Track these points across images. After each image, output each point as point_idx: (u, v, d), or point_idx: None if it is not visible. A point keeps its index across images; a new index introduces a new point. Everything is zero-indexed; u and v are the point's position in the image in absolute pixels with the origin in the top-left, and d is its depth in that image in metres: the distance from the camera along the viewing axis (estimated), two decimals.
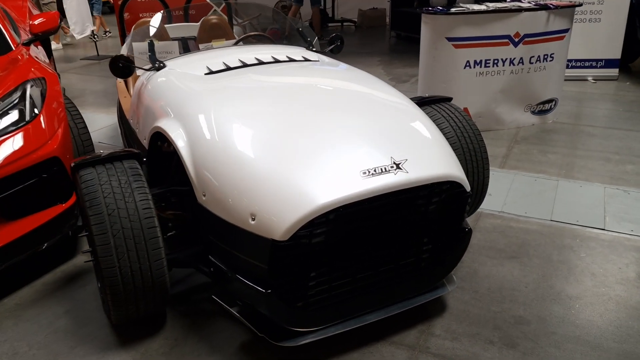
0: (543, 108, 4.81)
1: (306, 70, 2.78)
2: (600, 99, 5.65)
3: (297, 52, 3.16)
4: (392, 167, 1.98)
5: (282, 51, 3.10)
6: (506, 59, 4.49)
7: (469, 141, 2.77)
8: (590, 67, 6.33)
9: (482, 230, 3.10)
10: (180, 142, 2.19)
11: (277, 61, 2.87)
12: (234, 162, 2.00)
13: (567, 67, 6.29)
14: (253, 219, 1.88)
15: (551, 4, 4.47)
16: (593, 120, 4.96)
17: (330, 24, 11.36)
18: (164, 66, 2.93)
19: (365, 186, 1.90)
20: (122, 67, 2.85)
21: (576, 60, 6.27)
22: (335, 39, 3.43)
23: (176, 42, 4.08)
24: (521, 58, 4.51)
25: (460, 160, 2.66)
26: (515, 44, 4.45)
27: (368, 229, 2.04)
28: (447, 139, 2.69)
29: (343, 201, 1.87)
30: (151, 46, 3.04)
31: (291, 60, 2.92)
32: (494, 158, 4.12)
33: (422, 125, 2.28)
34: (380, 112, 2.32)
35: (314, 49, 3.35)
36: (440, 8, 4.44)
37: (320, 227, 1.91)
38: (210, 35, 4.23)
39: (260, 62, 2.83)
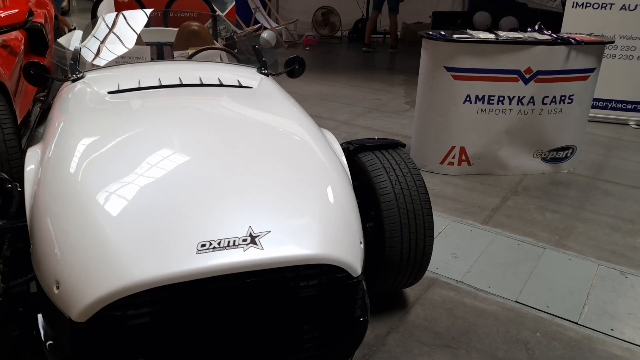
0: (556, 156, 4.19)
1: (218, 99, 2.40)
2: (636, 149, 4.93)
3: (241, 74, 2.79)
4: (244, 240, 1.57)
5: (222, 73, 2.74)
6: (514, 96, 3.92)
7: (409, 200, 2.31)
8: (634, 110, 5.58)
9: (426, 304, 2.61)
10: (27, 174, 1.87)
11: (200, 85, 2.50)
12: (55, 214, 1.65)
13: (606, 108, 5.61)
14: (57, 287, 1.52)
15: (573, 39, 3.87)
16: (616, 175, 4.29)
17: (373, 36, 10.90)
18: (82, 77, 2.63)
19: (197, 264, 1.50)
20: (34, 75, 2.58)
21: (617, 102, 5.54)
22: (292, 62, 3.03)
23: (148, 48, 3.80)
24: (532, 97, 3.93)
25: (393, 223, 2.22)
26: (526, 81, 3.88)
27: (223, 313, 1.63)
28: (382, 195, 2.26)
29: (164, 280, 1.47)
30: (76, 53, 2.76)
31: (220, 85, 2.54)
32: (480, 210, 3.58)
33: (317, 186, 1.85)
34: (266, 164, 1.90)
35: (265, 71, 2.96)
36: (443, 33, 3.93)
37: (144, 307, 1.52)
38: (188, 43, 3.92)
39: (180, 85, 2.48)
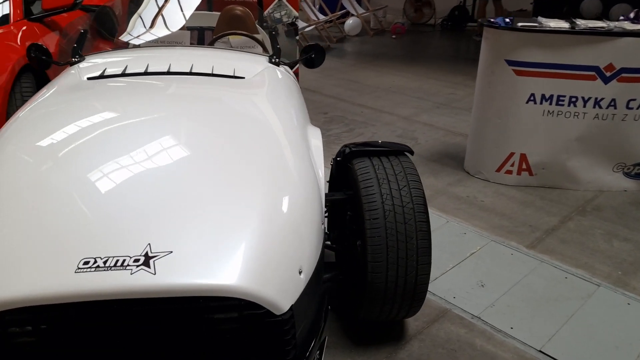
0: None
1: (192, 91, 2.15)
2: None
3: (244, 63, 2.54)
4: (136, 261, 1.33)
5: (223, 61, 2.51)
6: (590, 98, 3.29)
7: (400, 219, 1.94)
8: None
9: (425, 341, 2.21)
10: None
11: (187, 73, 2.29)
12: None
13: None
14: None
15: None
16: None
17: (469, 24, 10.12)
18: (79, 61, 2.53)
19: (71, 284, 1.28)
20: (34, 58, 2.53)
21: None
22: (308, 50, 2.72)
23: (187, 33, 3.70)
24: (613, 100, 3.27)
25: (377, 245, 1.90)
26: (606, 80, 3.23)
27: (122, 339, 1.41)
28: (368, 211, 1.92)
29: (36, 299, 1.28)
30: (83, 36, 2.67)
31: (208, 74, 2.31)
32: (531, 230, 3.05)
33: (253, 203, 1.55)
34: (200, 172, 1.62)
35: (276, 59, 2.69)
36: (507, 21, 3.39)
37: (28, 325, 1.35)
38: (229, 28, 3.77)
39: (165, 73, 2.28)
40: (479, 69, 3.57)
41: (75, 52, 2.57)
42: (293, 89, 2.52)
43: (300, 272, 1.52)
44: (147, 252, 1.35)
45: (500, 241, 2.94)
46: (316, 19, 8.13)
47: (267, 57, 2.69)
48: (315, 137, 2.13)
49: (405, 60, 7.36)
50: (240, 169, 1.65)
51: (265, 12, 5.32)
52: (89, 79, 2.24)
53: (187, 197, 1.51)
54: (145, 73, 2.27)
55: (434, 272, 2.65)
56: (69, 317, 1.32)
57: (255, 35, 3.78)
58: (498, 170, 3.60)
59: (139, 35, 3.50)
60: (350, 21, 8.95)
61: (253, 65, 2.53)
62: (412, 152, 2.18)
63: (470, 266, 2.71)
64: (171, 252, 1.36)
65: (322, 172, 1.93)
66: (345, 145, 2.22)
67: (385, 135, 4.53)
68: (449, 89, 5.99)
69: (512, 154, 3.52)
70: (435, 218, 3.16)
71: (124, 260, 1.32)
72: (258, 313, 1.39)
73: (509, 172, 3.57)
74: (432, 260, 2.71)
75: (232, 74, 2.32)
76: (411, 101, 5.50)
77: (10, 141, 1.79)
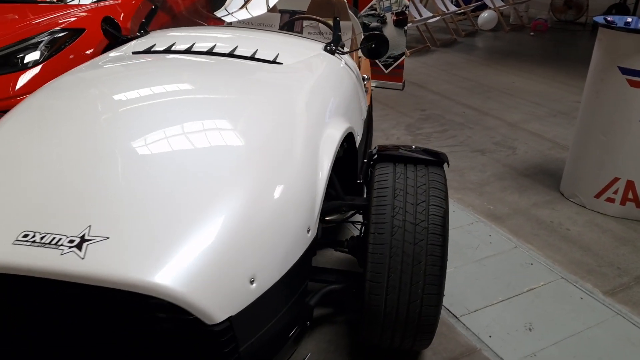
0: None
1: (218, 74, 2.03)
2: None
3: (293, 48, 2.40)
4: (71, 242, 1.27)
5: (275, 44, 2.39)
6: None
7: (409, 238, 1.70)
8: None
9: None
10: None
11: (228, 55, 2.20)
12: None
13: None
14: None
15: None
16: None
17: None
18: (144, 35, 2.58)
19: (6, 256, 1.27)
20: (106, 32, 2.64)
21: None
22: (369, 39, 2.49)
23: (277, 15, 3.68)
24: None
25: (378, 263, 1.70)
26: None
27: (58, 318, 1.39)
28: (374, 224, 1.72)
29: None
30: (152, 12, 2.72)
31: (248, 57, 2.20)
32: (618, 273, 2.54)
33: (214, 200, 1.40)
34: (162, 163, 1.50)
35: (332, 47, 2.50)
36: (629, 20, 2.82)
37: None
38: (320, 13, 3.69)
39: (206, 52, 2.22)
40: (588, 76, 3.04)
41: (141, 27, 2.63)
42: (343, 79, 2.33)
43: (251, 282, 1.37)
44: (84, 234, 1.29)
45: (573, 280, 2.49)
46: (445, 10, 7.68)
47: (324, 45, 2.53)
48: (328, 134, 1.90)
49: (535, 60, 6.65)
50: (210, 160, 1.53)
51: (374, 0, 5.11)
52: (133, 53, 2.27)
53: (145, 182, 1.43)
54: (186, 51, 2.24)
55: (475, 303, 2.31)
56: (4, 288, 1.32)
57: (345, 22, 3.63)
58: (597, 196, 3.06)
59: (228, 14, 3.55)
60: (485, 14, 8.34)
61: (303, 51, 2.38)
62: (441, 163, 1.89)
63: (523, 303, 2.32)
64: (108, 237, 1.29)
65: (324, 173, 1.73)
66: (377, 147, 2.00)
67: (480, 140, 4.11)
68: (575, 95, 5.28)
69: (616, 180, 2.96)
70: (502, 241, 2.77)
71: (60, 239, 1.28)
72: (187, 319, 1.28)
73: (611, 200, 3.01)
74: (480, 289, 2.39)
75: (271, 59, 2.20)
76: (525, 106, 4.93)
77: (19, 106, 1.85)
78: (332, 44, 2.52)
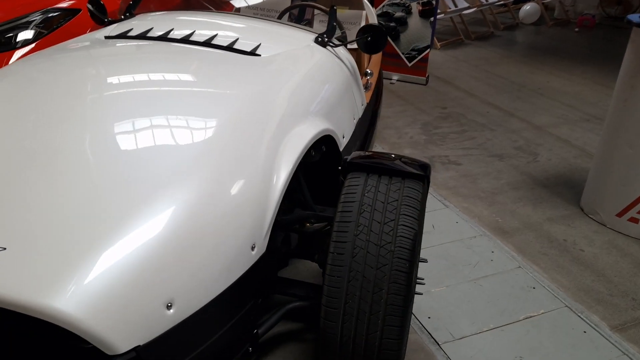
0: None
1: (179, 64, 1.85)
2: None
3: (279, 39, 2.21)
4: None
5: (258, 35, 2.20)
6: None
7: (372, 262, 1.50)
8: None
9: None
10: None
11: (204, 43, 2.03)
12: None
13: None
14: None
15: None
16: None
17: None
18: (128, 19, 2.44)
19: None
20: (91, 13, 2.52)
21: None
22: (364, 31, 2.26)
23: (287, 1, 3.52)
24: None
25: (335, 288, 1.52)
26: None
27: None
28: (334, 242, 1.54)
29: None
30: None
31: (222, 47, 2.02)
32: (633, 305, 2.26)
33: (120, 211, 1.24)
34: (84, 166, 1.34)
35: (324, 39, 2.29)
36: None
37: None
38: (336, 1, 3.51)
39: (183, 40, 2.06)
40: (617, 81, 2.73)
41: (127, 10, 2.49)
42: (329, 75, 2.13)
43: (168, 307, 1.20)
44: None
45: (578, 310, 2.23)
46: (483, 1, 7.28)
47: (315, 36, 2.32)
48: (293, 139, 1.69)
49: (576, 58, 6.22)
50: (143, 163, 1.36)
51: None
52: (106, 37, 2.13)
53: (66, 187, 1.28)
54: (161, 38, 2.08)
55: (463, 329, 2.09)
56: None
57: (354, 11, 3.41)
58: (620, 214, 2.76)
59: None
60: (527, 7, 7.88)
61: (290, 42, 2.19)
62: (424, 178, 1.67)
63: (517, 333, 2.09)
64: (4, 249, 1.15)
65: (280, 181, 1.54)
66: (353, 154, 1.80)
67: (500, 144, 3.82)
68: None
69: None
70: (505, 259, 2.53)
71: None
72: (85, 347, 1.13)
73: (634, 220, 2.71)
74: (471, 313, 2.17)
75: (249, 50, 2.02)
76: (557, 108, 4.58)
77: None
78: (325, 35, 2.31)
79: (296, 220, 1.84)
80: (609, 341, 2.07)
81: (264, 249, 1.48)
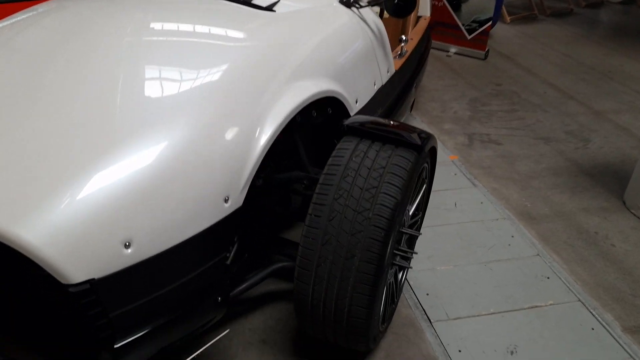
0: None
1: (187, 17, 1.84)
2: None
3: None
4: None
5: None
6: None
7: (347, 227, 1.47)
8: None
9: None
10: None
11: None
12: None
13: None
14: None
15: None
16: None
17: None
18: None
19: None
20: None
21: None
22: None
23: None
24: None
25: (308, 249, 1.53)
26: None
27: None
28: (314, 204, 1.53)
29: None
30: None
31: (245, 2, 2.00)
32: None
33: (92, 144, 1.27)
34: (63, 102, 1.38)
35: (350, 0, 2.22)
36: None
37: None
38: None
39: None
40: None
41: None
42: (349, 36, 2.06)
43: (126, 246, 1.24)
44: None
45: (592, 306, 2.08)
46: None
47: None
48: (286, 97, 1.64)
49: None
50: (120, 101, 1.38)
51: None
52: None
53: (43, 120, 1.34)
54: None
55: (460, 310, 2.02)
56: None
57: None
58: None
59: None
60: None
61: (311, 0, 2.13)
62: (421, 149, 1.60)
63: (518, 321, 1.99)
64: None
65: (265, 136, 1.52)
66: (351, 118, 1.75)
67: (550, 127, 3.58)
68: None
69: None
70: (525, 245, 2.40)
71: None
72: (42, 275, 1.19)
73: None
74: (473, 295, 2.09)
75: (266, 6, 1.99)
76: (624, 94, 4.23)
77: None
78: None
79: (288, 180, 1.83)
80: (618, 342, 1.93)
81: (240, 203, 1.48)
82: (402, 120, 3.28)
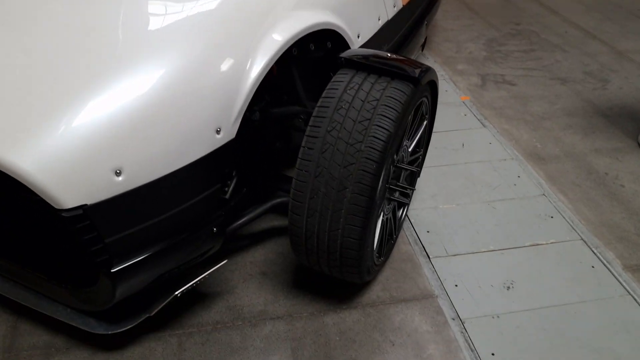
0: None
1: None
2: None
3: None
4: None
5: None
6: None
7: (338, 159, 1.48)
8: None
9: (370, 316, 1.76)
10: None
11: None
12: None
13: None
14: None
15: None
16: None
17: None
18: None
19: None
20: None
21: None
22: None
23: None
24: None
25: (302, 182, 1.55)
26: None
27: None
28: (308, 136, 1.54)
29: None
30: None
31: None
32: None
33: (79, 73, 1.29)
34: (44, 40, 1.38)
35: None
36: None
37: None
38: None
39: None
40: None
41: None
42: None
43: (117, 173, 1.27)
44: None
45: (594, 245, 2.07)
46: None
47: None
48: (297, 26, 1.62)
49: None
50: (105, 31, 1.39)
51: None
52: None
53: (33, 51, 1.35)
54: None
55: (459, 247, 2.04)
56: None
57: None
58: None
59: None
60: None
61: None
62: (417, 81, 1.57)
63: (517, 258, 2.00)
64: None
65: (257, 67, 1.50)
66: (351, 50, 1.72)
67: (569, 67, 3.46)
68: None
69: None
70: (530, 185, 2.37)
71: None
72: (35, 199, 1.23)
73: None
74: (473, 233, 2.10)
75: None
76: None
77: None
78: None
79: (285, 114, 1.82)
80: (617, 279, 1.93)
81: (232, 135, 1.49)
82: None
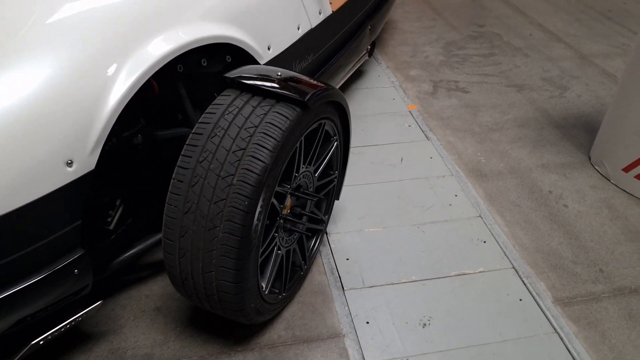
0: None
1: None
2: None
3: None
4: None
5: None
6: None
7: (208, 194, 1.32)
8: None
9: (268, 358, 1.60)
10: None
11: None
12: None
13: None
14: None
15: None
16: None
17: None
18: None
19: None
20: None
21: None
22: None
23: None
24: None
25: (171, 216, 1.38)
26: None
27: None
28: (179, 165, 1.35)
29: None
30: None
31: None
32: (598, 277, 1.92)
33: None
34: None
35: None
36: None
37: None
38: None
39: None
40: (633, 52, 2.16)
41: None
42: None
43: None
44: None
45: (525, 274, 1.92)
46: None
47: None
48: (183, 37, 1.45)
49: None
50: None
51: None
52: None
53: None
54: None
55: (379, 277, 1.88)
56: None
57: None
58: (626, 169, 2.31)
59: None
60: None
61: None
62: (305, 105, 1.40)
63: (440, 290, 1.84)
64: None
65: (121, 88, 1.32)
66: (241, 68, 1.55)
67: (528, 73, 3.29)
68: None
69: None
70: (467, 206, 2.22)
71: None
72: None
73: None
74: (397, 261, 1.94)
75: None
76: (620, 36, 3.87)
77: None
78: None
79: (174, 137, 1.65)
80: (545, 314, 1.77)
81: (91, 167, 1.32)
82: (360, 66, 3.03)
